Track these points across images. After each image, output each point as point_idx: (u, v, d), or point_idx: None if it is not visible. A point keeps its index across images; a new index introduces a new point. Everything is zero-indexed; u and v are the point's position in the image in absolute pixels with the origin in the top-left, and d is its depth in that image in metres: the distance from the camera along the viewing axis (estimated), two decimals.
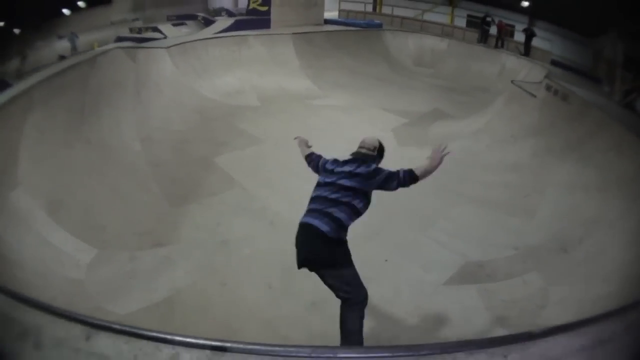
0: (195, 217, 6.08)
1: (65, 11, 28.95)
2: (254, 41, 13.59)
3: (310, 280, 4.42)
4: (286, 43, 14.41)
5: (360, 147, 3.71)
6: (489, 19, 21.69)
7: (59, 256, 4.77)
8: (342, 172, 3.28)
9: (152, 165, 7.31)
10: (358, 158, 3.47)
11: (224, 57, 12.86)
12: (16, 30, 23.52)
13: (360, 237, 5.55)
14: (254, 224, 5.97)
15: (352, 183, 3.16)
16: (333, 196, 3.14)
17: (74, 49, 18.98)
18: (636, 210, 4.88)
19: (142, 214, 5.95)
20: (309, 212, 3.17)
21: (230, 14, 28.54)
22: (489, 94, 15.14)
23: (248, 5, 17.79)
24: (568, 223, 5.53)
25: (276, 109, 11.04)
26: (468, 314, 4.35)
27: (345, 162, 3.46)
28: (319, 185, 3.37)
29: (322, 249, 3.04)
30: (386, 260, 5.22)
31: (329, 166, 3.51)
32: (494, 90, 15.30)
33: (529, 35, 20.87)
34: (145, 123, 8.65)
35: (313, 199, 3.25)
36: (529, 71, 16.51)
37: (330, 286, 3.17)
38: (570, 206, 5.91)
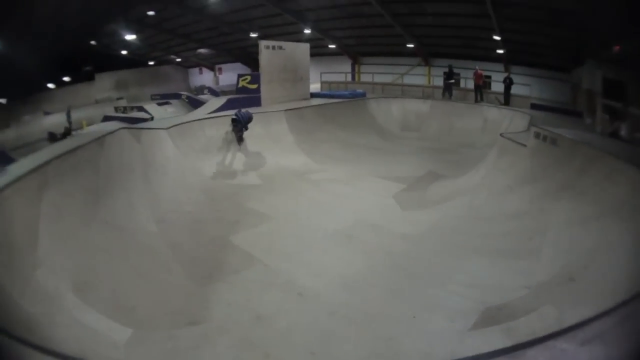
0: (224, 294, 6.55)
1: (50, 85, 30.69)
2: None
3: (350, 343, 5.36)
4: (279, 120, 15.73)
5: None
6: (451, 71, 23.60)
7: (95, 336, 5.10)
8: None
9: (171, 246, 7.96)
10: None
11: (220, 137, 14.00)
12: (2, 100, 24.62)
13: (387, 297, 6.51)
14: (283, 297, 6.54)
15: None
16: None
17: (70, 124, 20.33)
18: (633, 228, 5.78)
19: (170, 294, 6.47)
20: None
21: (212, 92, 30.34)
22: (476, 149, 16.71)
23: (237, 83, 19.14)
24: (572, 255, 6.36)
25: (278, 186, 12.06)
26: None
27: None
28: None
29: None
30: (414, 317, 5.95)
31: None
32: (480, 145, 17.03)
33: (508, 84, 22.67)
34: (157, 205, 9.46)
35: None
36: (512, 120, 18.13)
37: None
38: (571, 240, 6.74)
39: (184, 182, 11.29)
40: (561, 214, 7.77)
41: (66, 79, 32.97)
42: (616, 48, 16.73)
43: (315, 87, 24.80)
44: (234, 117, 13.48)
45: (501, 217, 9.10)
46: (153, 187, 10.18)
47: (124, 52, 36.73)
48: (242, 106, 15.81)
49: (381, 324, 5.87)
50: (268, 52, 18.56)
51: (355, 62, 33.20)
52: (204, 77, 42.43)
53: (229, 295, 6.63)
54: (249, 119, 13.64)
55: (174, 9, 28.59)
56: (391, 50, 31.12)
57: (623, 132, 11.96)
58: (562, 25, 23.47)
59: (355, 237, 8.81)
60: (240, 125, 13.59)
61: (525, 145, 10.77)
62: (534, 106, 22.17)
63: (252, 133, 14.37)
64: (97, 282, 6.15)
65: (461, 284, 6.83)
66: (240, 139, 13.78)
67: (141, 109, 23.70)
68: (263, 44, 18.54)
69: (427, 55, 30.54)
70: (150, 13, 28.91)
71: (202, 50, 37.53)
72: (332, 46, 31.93)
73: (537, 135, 10.44)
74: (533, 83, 26.22)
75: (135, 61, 38.47)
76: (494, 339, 5.33)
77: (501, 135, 12.56)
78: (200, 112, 16.68)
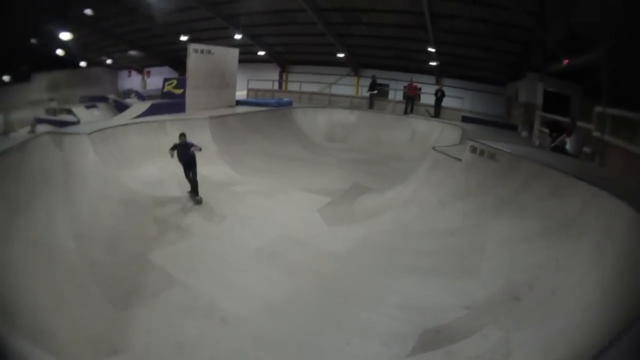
0: (143, 320, 6.14)
1: None
2: (171, 127, 14.22)
3: None
4: (203, 128, 15.25)
5: None
6: (375, 81, 24.03)
7: None
8: None
9: (90, 265, 7.40)
10: None
11: (143, 144, 13.40)
12: None
13: (317, 322, 6.09)
14: (205, 322, 6.14)
15: None
16: None
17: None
18: (582, 248, 5.69)
19: (89, 319, 6.00)
20: None
21: (139, 96, 30.13)
22: (404, 161, 16.80)
23: (163, 87, 18.90)
24: (515, 274, 6.24)
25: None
26: None
27: None
28: None
29: None
30: (348, 344, 5.60)
31: None
32: (408, 158, 17.13)
33: (440, 96, 23.17)
34: (76, 218, 8.74)
35: None
36: (441, 132, 18.42)
37: None
38: (512, 258, 6.65)
39: (104, 193, 10.57)
40: (501, 231, 7.71)
41: (5, 78, 32.46)
42: (565, 62, 17.39)
43: (241, 94, 24.67)
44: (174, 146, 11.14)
45: (434, 234, 8.98)
46: (73, 198, 9.43)
47: (59, 52, 35.71)
48: (168, 111, 15.74)
49: (312, 352, 5.56)
50: (196, 56, 18.20)
51: (284, 70, 33.52)
52: (132, 81, 42.08)
53: (149, 320, 6.19)
54: (190, 158, 11.31)
55: (110, 8, 28.13)
56: (321, 60, 31.61)
57: (568, 146, 12.26)
58: (504, 38, 24.52)
59: (281, 254, 8.42)
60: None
61: (459, 160, 10.77)
62: (465, 119, 22.75)
63: (171, 140, 13.28)
64: (17, 305, 5.57)
65: (395, 306, 6.56)
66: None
67: (70, 111, 23.34)
68: (192, 47, 18.18)
69: (357, 65, 31.05)
70: (87, 11, 28.30)
71: (132, 52, 37.20)
72: (261, 53, 32.07)
73: (473, 150, 10.48)
74: (465, 96, 27.11)
75: (68, 62, 37.67)
76: None
77: (433, 148, 12.56)
78: (124, 117, 16.07)
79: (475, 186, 9.51)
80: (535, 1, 20.16)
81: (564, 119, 13.94)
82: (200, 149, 11.14)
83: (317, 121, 21.72)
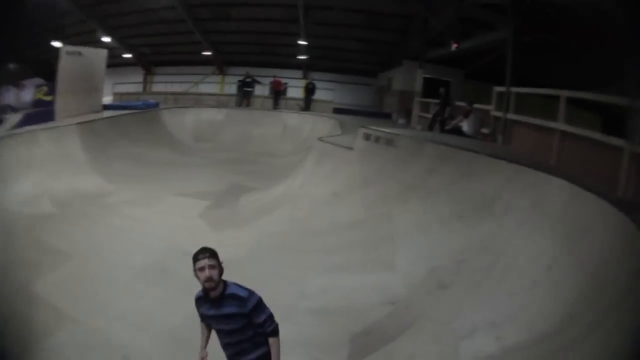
0: None
1: None
2: (42, 137, 13.36)
3: None
4: (72, 136, 14.39)
5: None
6: (248, 79, 24.11)
7: None
8: None
9: None
10: None
11: (16, 158, 12.31)
12: None
13: None
14: None
15: None
16: None
17: None
18: (509, 226, 5.78)
19: None
20: None
21: (13, 109, 27.44)
22: (277, 157, 17.03)
23: (34, 96, 17.91)
24: (435, 260, 6.23)
25: (73, 214, 10.59)
26: None
27: None
28: None
29: None
30: None
31: None
32: (281, 153, 17.47)
33: (310, 89, 23.67)
34: None
35: None
36: (314, 125, 18.82)
37: None
38: (430, 244, 6.64)
39: None
40: (410, 218, 7.66)
41: None
42: (455, 45, 18.21)
43: (107, 99, 23.48)
44: None
45: (334, 229, 8.77)
46: None
47: None
48: (41, 120, 15.18)
49: None
50: (67, 59, 17.41)
51: (149, 72, 33.06)
52: (9, 96, 38.79)
53: None
54: None
55: None
56: (186, 59, 31.35)
57: (465, 128, 12.79)
58: (378, 28, 25.48)
59: (171, 271, 7.68)
60: None
61: (351, 149, 10.73)
62: (337, 110, 23.36)
63: (47, 153, 12.92)
64: None
65: (311, 313, 6.26)
66: None
67: None
68: (65, 49, 17.54)
69: (223, 63, 30.93)
70: None
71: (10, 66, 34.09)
72: (127, 56, 31.23)
73: (367, 137, 10.50)
74: (336, 88, 27.84)
75: None
76: None
77: (320, 139, 12.50)
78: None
79: (374, 174, 9.45)
80: None
81: (461, 104, 14.55)
82: None
83: (184, 122, 21.36)
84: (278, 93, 23.97)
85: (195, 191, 12.53)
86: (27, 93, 29.60)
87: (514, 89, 12.01)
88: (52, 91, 17.49)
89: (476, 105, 13.34)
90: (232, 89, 26.90)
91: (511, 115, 11.67)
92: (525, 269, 5.06)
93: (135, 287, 7.27)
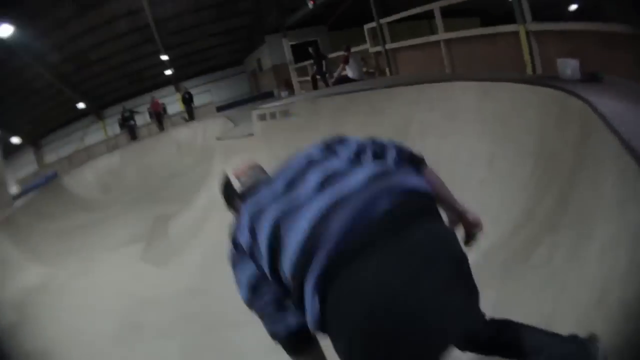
0: None
1: None
2: None
3: None
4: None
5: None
6: (126, 113, 23.82)
7: None
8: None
9: None
10: None
11: None
12: None
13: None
14: None
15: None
16: None
17: None
18: (430, 144, 5.86)
19: None
20: None
21: None
22: (185, 174, 16.96)
23: None
24: None
25: (38, 315, 9.76)
26: None
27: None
28: None
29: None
30: None
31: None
32: (185, 168, 17.53)
33: (188, 99, 23.64)
34: None
35: None
36: (205, 130, 19.12)
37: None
38: None
39: None
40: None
41: None
42: (311, 2, 18.25)
43: (14, 188, 22.49)
44: None
45: None
46: None
47: None
48: None
49: None
50: None
51: (37, 147, 32.27)
52: None
53: None
54: None
55: None
56: (64, 119, 30.90)
57: (350, 73, 13.01)
58: (230, 16, 25.51)
59: (144, 322, 7.38)
60: None
61: (252, 135, 10.87)
62: (220, 109, 23.66)
63: None
64: None
65: None
66: None
67: None
68: None
69: (97, 109, 30.50)
70: None
71: None
72: (15, 141, 30.45)
73: (261, 117, 10.60)
74: (211, 88, 27.83)
75: None
76: None
77: (218, 139, 12.70)
78: None
79: (283, 149, 9.24)
80: None
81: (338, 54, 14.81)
82: None
83: (85, 179, 21.07)
84: (159, 114, 23.66)
85: (125, 240, 12.30)
86: None
87: (384, 20, 12.30)
88: None
89: (353, 49, 13.58)
90: (115, 129, 26.56)
91: (390, 45, 11.96)
92: (466, 174, 5.19)
93: (119, 350, 6.94)
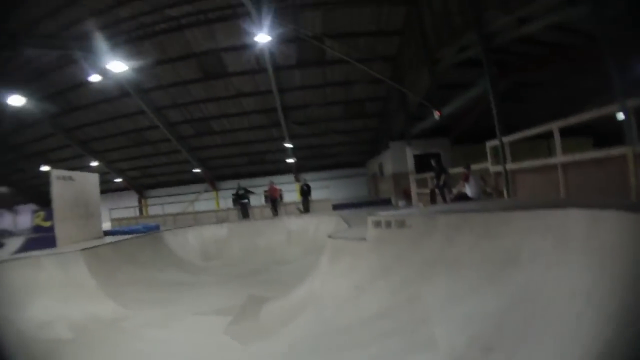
0: None
1: None
2: (47, 263, 13.66)
3: None
4: (78, 262, 14.62)
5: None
6: (241, 191, 24.77)
7: None
8: None
9: None
10: None
11: (22, 282, 12.65)
12: None
13: None
14: None
15: None
16: None
17: None
18: (537, 273, 5.96)
19: None
20: None
21: (11, 233, 29.39)
22: (288, 263, 17.41)
23: (32, 221, 18.17)
24: (475, 327, 6.34)
25: (92, 339, 10.52)
26: None
27: None
28: None
29: None
30: None
31: None
32: (291, 258, 17.85)
33: (306, 191, 24.31)
34: None
35: None
36: (317, 226, 19.51)
37: None
38: (466, 313, 6.71)
39: None
40: (439, 293, 7.71)
41: None
42: (437, 113, 18.85)
43: (105, 225, 24.61)
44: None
45: (365, 321, 8.75)
46: None
47: None
48: (41, 245, 15.77)
49: None
50: (60, 184, 17.97)
51: (142, 196, 35.05)
52: (3, 221, 40.53)
53: None
54: None
55: None
56: (177, 179, 32.58)
57: (468, 192, 13.05)
58: (358, 116, 26.47)
59: None
60: None
61: (364, 239, 10.84)
62: (336, 207, 23.91)
63: (54, 279, 13.34)
64: None
65: None
66: None
67: None
68: (54, 173, 17.90)
69: (213, 179, 31.92)
70: None
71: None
72: (117, 180, 33.20)
73: (377, 224, 10.61)
74: (331, 185, 28.42)
75: None
76: None
77: (329, 236, 12.68)
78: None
79: (393, 259, 9.53)
80: (388, 66, 22.26)
81: (458, 170, 14.97)
82: None
83: (188, 241, 21.72)
84: (275, 200, 24.48)
85: (214, 309, 12.59)
86: (25, 218, 30.84)
87: (506, 139, 12.39)
88: (49, 217, 17.86)
89: (473, 167, 13.67)
90: (228, 202, 27.51)
91: (510, 166, 11.97)
92: (564, 308, 5.18)
93: None
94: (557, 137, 9.69)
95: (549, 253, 6.00)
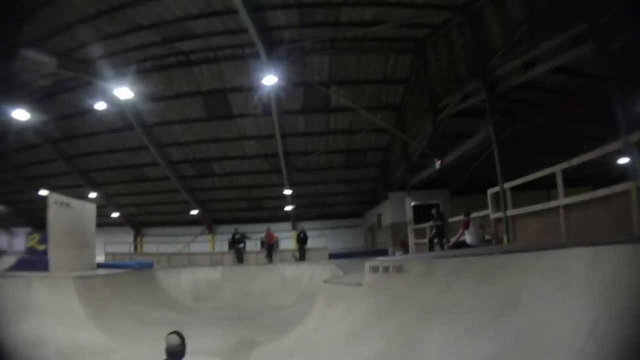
0: None
1: None
2: (39, 285, 13.83)
3: None
4: (69, 289, 14.58)
5: None
6: (237, 235, 24.74)
7: None
8: None
9: None
10: None
11: (13, 301, 12.73)
12: None
13: None
14: None
15: None
16: None
17: None
18: (538, 315, 5.82)
19: None
20: None
21: (3, 252, 30.33)
22: (281, 310, 17.37)
23: (26, 243, 18.66)
24: None
25: None
26: None
27: None
28: None
29: None
30: None
31: None
32: (284, 305, 17.90)
33: (303, 239, 24.32)
34: None
35: None
36: (312, 273, 19.61)
37: None
38: (464, 358, 6.63)
39: None
40: (438, 339, 7.54)
41: None
42: (439, 162, 18.95)
43: (99, 257, 24.40)
44: None
45: None
46: None
47: None
48: (33, 267, 15.99)
49: None
50: (57, 208, 18.02)
51: (138, 233, 35.12)
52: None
53: None
54: None
55: None
56: (174, 219, 32.64)
57: (468, 239, 13.05)
58: (359, 165, 26.69)
59: None
60: None
61: (360, 285, 10.75)
62: (332, 256, 23.89)
63: (44, 301, 13.46)
64: None
65: None
66: None
67: None
68: (52, 198, 17.99)
69: (210, 222, 31.83)
70: None
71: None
72: (115, 215, 33.38)
73: (374, 269, 10.53)
74: (328, 234, 28.42)
75: None
76: None
77: (325, 281, 12.76)
78: None
79: (389, 304, 9.40)
80: (391, 115, 22.53)
81: (457, 218, 15.02)
82: None
83: (181, 282, 21.74)
84: (271, 247, 24.45)
85: (205, 349, 12.26)
86: (20, 240, 31.17)
87: (507, 185, 12.45)
88: (44, 240, 17.88)
89: (473, 215, 13.68)
90: (223, 246, 27.48)
91: (511, 212, 11.98)
92: (566, 345, 5.08)
93: None
94: (559, 179, 9.75)
95: (550, 292, 5.89)
